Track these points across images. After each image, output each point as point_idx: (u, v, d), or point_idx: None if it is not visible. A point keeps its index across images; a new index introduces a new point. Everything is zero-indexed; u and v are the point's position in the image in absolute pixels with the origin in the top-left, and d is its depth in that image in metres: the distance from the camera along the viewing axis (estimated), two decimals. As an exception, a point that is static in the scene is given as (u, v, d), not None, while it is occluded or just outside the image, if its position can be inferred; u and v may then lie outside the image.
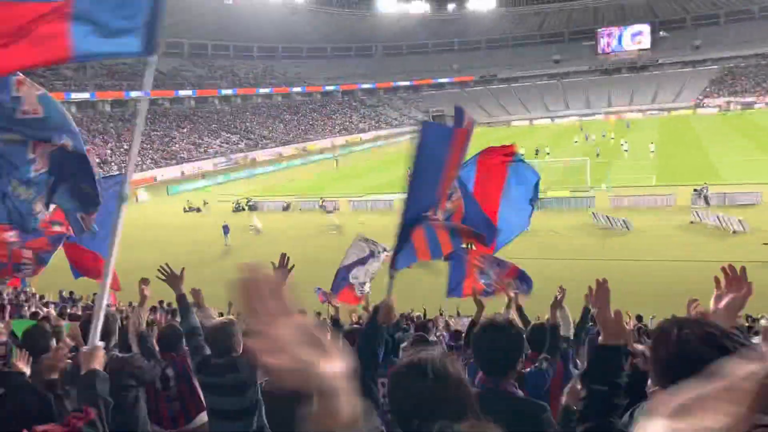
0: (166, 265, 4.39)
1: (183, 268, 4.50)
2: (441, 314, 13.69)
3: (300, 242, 28.41)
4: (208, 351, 4.07)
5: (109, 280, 3.48)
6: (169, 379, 4.74)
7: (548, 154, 48.83)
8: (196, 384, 4.55)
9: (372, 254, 8.56)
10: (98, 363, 3.08)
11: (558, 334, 5.40)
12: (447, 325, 12.12)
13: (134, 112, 70.81)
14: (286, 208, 37.13)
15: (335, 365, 0.95)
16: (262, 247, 27.42)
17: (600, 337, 2.23)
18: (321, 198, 37.12)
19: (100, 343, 3.21)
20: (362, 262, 8.45)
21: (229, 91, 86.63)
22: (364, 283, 8.39)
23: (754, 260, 19.90)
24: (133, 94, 70.51)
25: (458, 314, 14.76)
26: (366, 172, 51.70)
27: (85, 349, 3.20)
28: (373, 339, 3.48)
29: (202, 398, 4.38)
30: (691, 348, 1.60)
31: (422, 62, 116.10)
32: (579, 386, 2.28)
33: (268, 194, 42.73)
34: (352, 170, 54.20)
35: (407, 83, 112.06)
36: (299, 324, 0.95)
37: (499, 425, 1.30)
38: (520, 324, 5.86)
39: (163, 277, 4.37)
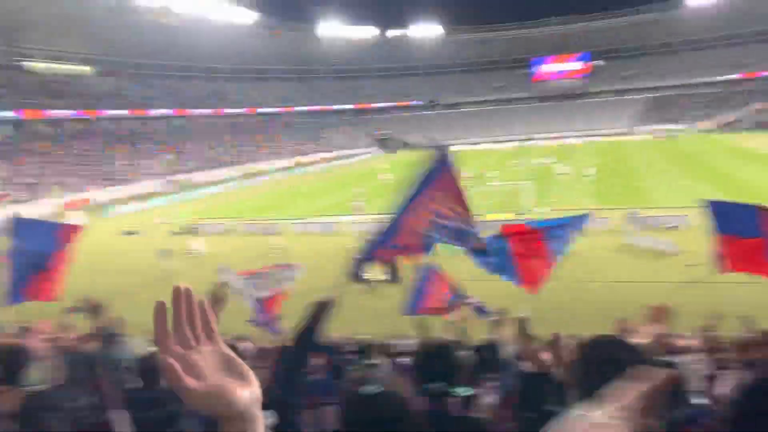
0: (85, 299, 4.21)
1: (103, 300, 4.32)
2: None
3: (243, 266, 27.97)
4: (136, 385, 3.89)
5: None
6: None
7: (494, 178, 50.00)
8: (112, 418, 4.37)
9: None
10: None
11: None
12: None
13: (70, 131, 68.67)
14: (227, 231, 36.52)
15: (251, 392, 0.94)
16: (202, 271, 26.82)
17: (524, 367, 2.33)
18: (264, 220, 36.71)
19: None
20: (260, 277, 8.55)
21: (169, 112, 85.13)
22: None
23: (680, 281, 20.84)
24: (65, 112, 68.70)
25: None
26: (311, 194, 51.51)
27: None
28: (307, 338, 3.16)
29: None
30: (600, 360, 1.69)
31: (367, 86, 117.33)
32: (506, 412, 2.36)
33: (209, 217, 41.95)
34: (296, 192, 53.90)
35: (352, 107, 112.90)
36: (219, 351, 0.95)
37: None
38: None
39: (81, 310, 4.18)
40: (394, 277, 23.76)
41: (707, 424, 4.45)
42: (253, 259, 28.75)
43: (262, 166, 78.56)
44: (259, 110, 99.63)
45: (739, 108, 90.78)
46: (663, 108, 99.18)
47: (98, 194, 55.31)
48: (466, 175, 39.58)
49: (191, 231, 36.19)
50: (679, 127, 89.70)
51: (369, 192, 44.06)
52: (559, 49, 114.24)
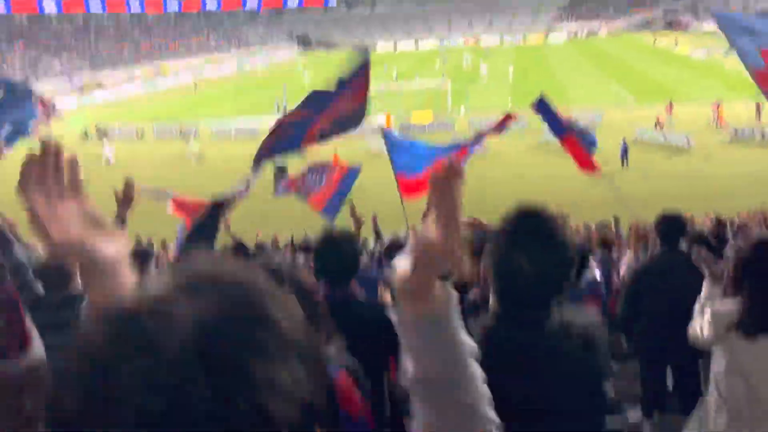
0: None
1: None
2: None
3: (156, 173, 26.95)
4: (40, 289, 3.66)
5: None
6: None
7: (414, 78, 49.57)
8: (25, 314, 4.17)
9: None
10: None
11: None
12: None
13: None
14: (140, 135, 34.77)
15: (117, 247, 0.95)
16: (113, 180, 25.67)
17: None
18: (179, 124, 35.07)
19: None
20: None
21: (76, 6, 77.95)
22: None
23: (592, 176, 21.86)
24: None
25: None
26: (229, 96, 49.42)
27: None
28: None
29: (32, 332, 4.04)
30: None
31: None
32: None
33: (119, 120, 39.63)
34: (213, 94, 51.56)
35: (273, 6, 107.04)
36: (85, 206, 0.95)
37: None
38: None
39: None
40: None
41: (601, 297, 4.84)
42: (171, 165, 27.75)
43: (174, 64, 74.25)
44: (170, 6, 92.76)
45: (652, 5, 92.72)
46: (579, 7, 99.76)
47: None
48: (384, 75, 38.77)
49: (101, 135, 34.17)
50: (594, 25, 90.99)
51: (293, 92, 42.76)
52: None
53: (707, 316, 2.70)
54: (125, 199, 3.69)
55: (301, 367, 0.56)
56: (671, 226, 4.24)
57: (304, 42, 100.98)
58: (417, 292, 1.02)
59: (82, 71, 63.92)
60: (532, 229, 1.64)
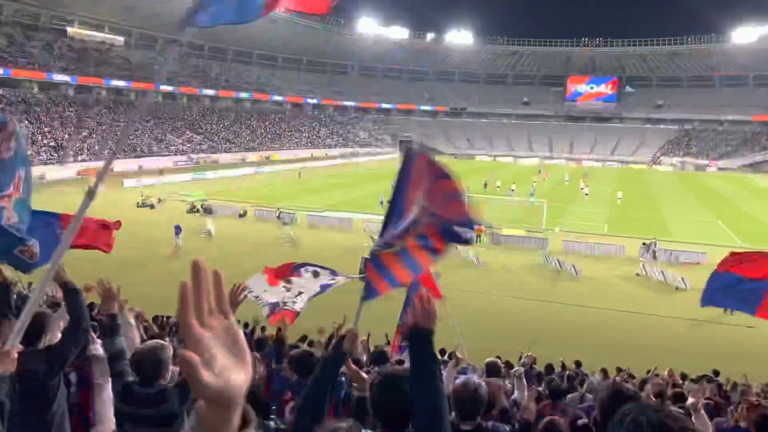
0: (104, 280, 4.07)
1: (119, 286, 4.17)
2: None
3: (253, 252, 28.05)
4: (131, 377, 3.66)
5: (52, 273, 3.32)
6: (70, 384, 4.30)
7: (513, 190, 49.73)
8: (96, 396, 4.28)
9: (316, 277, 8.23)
10: (8, 367, 2.90)
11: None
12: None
13: (98, 99, 69.27)
14: (242, 215, 36.63)
15: (245, 377, 0.94)
16: (212, 252, 26.95)
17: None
18: (278, 208, 36.71)
19: (17, 346, 3.01)
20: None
21: (210, 92, 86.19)
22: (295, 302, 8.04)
23: (692, 318, 20.57)
24: (114, 82, 69.85)
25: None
26: (328, 188, 51.57)
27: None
28: (335, 368, 3.12)
29: (98, 414, 4.10)
30: None
31: (395, 87, 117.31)
32: None
33: (225, 198, 42.13)
34: (313, 184, 54.00)
35: (381, 105, 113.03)
36: (228, 325, 0.95)
37: None
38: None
39: (99, 292, 4.04)
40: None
41: None
42: (267, 245, 28.88)
43: (284, 153, 78.89)
44: (289, 99, 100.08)
45: (764, 149, 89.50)
46: (690, 141, 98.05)
47: (120, 164, 55.77)
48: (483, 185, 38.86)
49: (207, 211, 36.38)
50: (704, 161, 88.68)
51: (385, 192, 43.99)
52: (591, 71, 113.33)
53: None
54: (233, 302, 3.66)
55: None
56: None
57: (407, 145, 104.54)
58: None
59: (199, 151, 69.06)
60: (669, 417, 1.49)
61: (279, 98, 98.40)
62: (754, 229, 37.51)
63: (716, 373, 12.45)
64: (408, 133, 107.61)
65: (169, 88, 78.68)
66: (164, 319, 12.02)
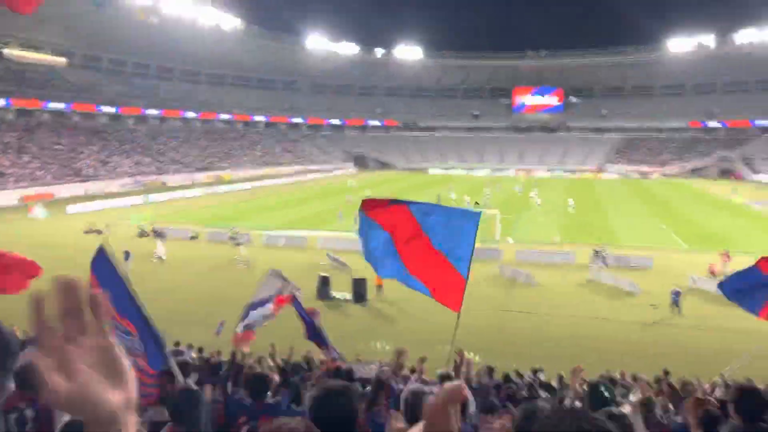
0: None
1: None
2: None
3: (205, 274, 27.52)
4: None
5: None
6: (26, 421, 4.13)
7: (467, 203, 50.33)
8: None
9: (271, 298, 8.13)
10: None
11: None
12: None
13: (39, 122, 67.13)
14: (194, 237, 35.91)
15: (125, 396, 0.91)
16: (164, 276, 26.33)
17: None
18: (231, 229, 36.10)
19: None
20: (263, 302, 8.05)
21: (154, 112, 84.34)
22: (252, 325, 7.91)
23: (642, 321, 21.14)
24: (53, 104, 67.91)
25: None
26: (282, 206, 51.10)
27: None
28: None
29: None
30: None
31: (347, 102, 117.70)
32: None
33: (176, 221, 41.25)
34: (267, 203, 53.44)
35: (333, 122, 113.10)
36: (104, 345, 0.91)
37: None
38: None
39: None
40: (360, 297, 23.65)
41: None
42: (219, 268, 28.37)
43: (234, 173, 77.94)
44: (239, 117, 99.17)
45: (706, 155, 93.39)
46: (633, 149, 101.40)
47: (63, 189, 54.09)
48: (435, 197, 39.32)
49: (157, 234, 35.47)
50: (647, 169, 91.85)
51: (342, 208, 43.87)
52: (538, 82, 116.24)
53: None
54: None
55: None
56: (752, 401, 3.92)
57: (360, 160, 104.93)
58: None
59: (147, 173, 67.62)
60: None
61: (226, 116, 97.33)
62: (697, 232, 38.94)
63: (666, 372, 12.81)
64: (361, 149, 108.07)
65: (112, 110, 77.02)
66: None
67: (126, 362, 0.94)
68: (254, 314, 7.64)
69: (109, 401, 0.88)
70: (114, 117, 78.84)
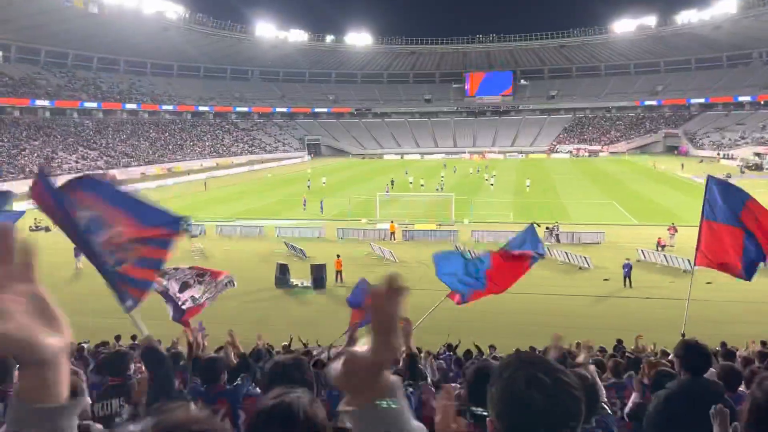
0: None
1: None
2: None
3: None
4: None
5: None
6: None
7: (422, 186, 50.73)
8: None
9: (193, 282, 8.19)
10: None
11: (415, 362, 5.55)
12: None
13: (-23, 118, 64.28)
14: (147, 231, 35.14)
15: (60, 340, 0.93)
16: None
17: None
18: (184, 220, 35.40)
19: None
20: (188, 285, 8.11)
21: (92, 104, 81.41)
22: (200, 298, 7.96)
23: (596, 294, 21.77)
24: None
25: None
26: (236, 196, 50.40)
27: None
28: None
29: None
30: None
31: (299, 90, 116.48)
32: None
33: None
34: (221, 194, 52.63)
35: (285, 110, 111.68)
36: (34, 293, 0.93)
37: None
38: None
39: None
40: (319, 283, 23.63)
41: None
42: (175, 260, 27.85)
43: (187, 165, 76.35)
44: (187, 108, 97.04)
45: (652, 132, 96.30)
46: (582, 128, 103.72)
47: (7, 187, 52.01)
48: (393, 182, 39.54)
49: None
50: (596, 147, 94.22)
51: (299, 195, 43.58)
52: (488, 66, 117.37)
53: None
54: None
55: None
56: (697, 355, 4.10)
57: (314, 148, 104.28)
58: (356, 388, 1.04)
59: (95, 168, 65.58)
60: (542, 369, 1.54)
61: (174, 108, 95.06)
62: (644, 207, 40.21)
63: (620, 341, 13.28)
64: (314, 137, 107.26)
65: (47, 103, 74.21)
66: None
67: (58, 310, 0.96)
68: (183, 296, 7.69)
69: (46, 344, 0.90)
70: (57, 111, 76.12)
